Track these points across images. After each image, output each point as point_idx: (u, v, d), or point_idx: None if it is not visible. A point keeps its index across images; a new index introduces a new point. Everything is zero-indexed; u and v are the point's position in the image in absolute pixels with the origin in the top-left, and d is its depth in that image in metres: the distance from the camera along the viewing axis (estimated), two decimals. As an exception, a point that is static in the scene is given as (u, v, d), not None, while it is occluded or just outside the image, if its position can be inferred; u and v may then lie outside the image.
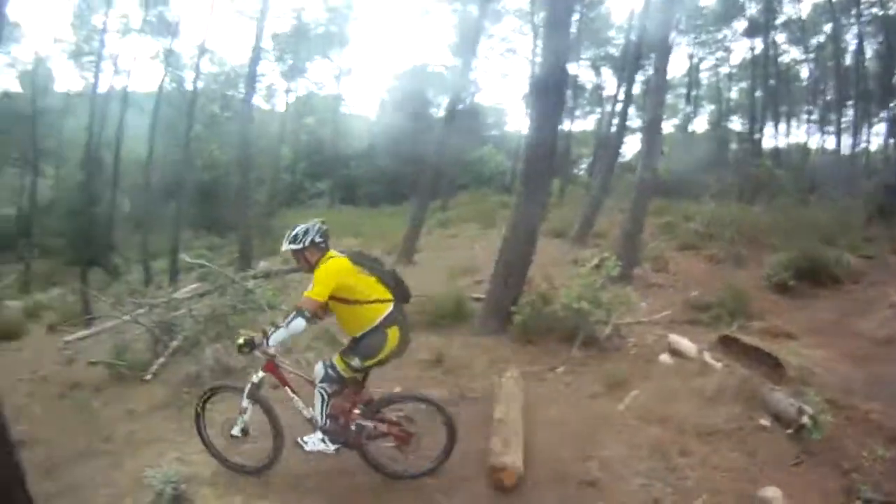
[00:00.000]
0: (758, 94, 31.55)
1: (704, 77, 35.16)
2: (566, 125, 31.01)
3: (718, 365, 7.02)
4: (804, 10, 30.34)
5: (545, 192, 10.46)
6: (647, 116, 14.71)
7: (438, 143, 18.63)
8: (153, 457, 5.86)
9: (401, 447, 5.04)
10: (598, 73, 35.47)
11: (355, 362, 4.82)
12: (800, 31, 30.34)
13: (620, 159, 26.21)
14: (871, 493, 4.83)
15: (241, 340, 4.88)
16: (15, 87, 34.44)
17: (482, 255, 14.60)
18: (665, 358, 7.34)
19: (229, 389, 5.52)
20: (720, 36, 33.03)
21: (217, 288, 10.80)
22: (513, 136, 37.85)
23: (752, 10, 31.05)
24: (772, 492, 4.70)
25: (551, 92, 9.29)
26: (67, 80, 50.00)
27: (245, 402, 5.09)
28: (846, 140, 30.13)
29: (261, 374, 5.06)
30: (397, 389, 6.69)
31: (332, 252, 4.96)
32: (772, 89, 31.33)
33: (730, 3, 31.14)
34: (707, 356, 7.29)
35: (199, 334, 8.90)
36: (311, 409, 5.08)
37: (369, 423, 5.00)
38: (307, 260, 4.96)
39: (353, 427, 5.00)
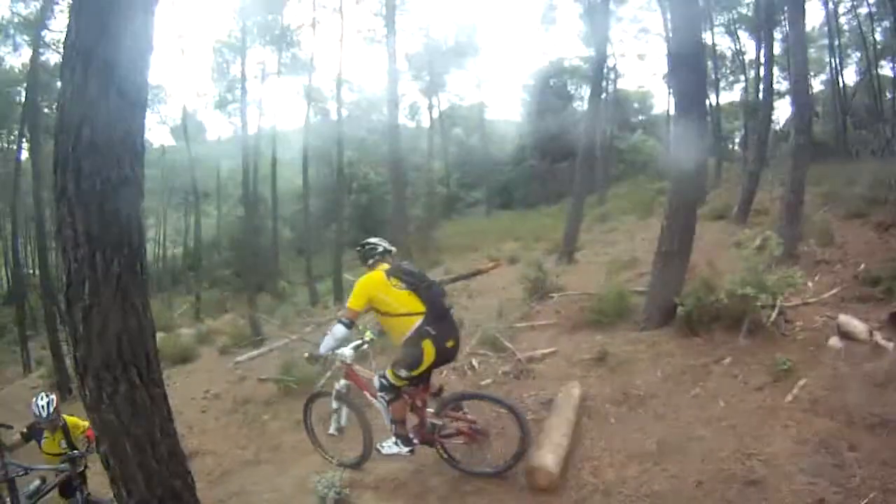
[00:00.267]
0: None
1: (844, 21, 30.40)
2: (711, 99, 29.00)
3: (891, 345, 6.15)
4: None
5: (699, 172, 9.77)
6: (792, 76, 13.48)
7: (586, 137, 18.08)
8: (318, 464, 6.05)
9: (470, 445, 5.33)
10: (735, 39, 32.36)
11: (402, 373, 5.08)
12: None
13: (773, 127, 24.21)
14: None
15: (306, 354, 5.68)
16: (169, 141, 38.05)
17: (643, 247, 13.98)
18: (834, 342, 6.51)
19: (326, 395, 6.05)
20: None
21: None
22: (661, 118, 36.20)
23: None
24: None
25: (689, 65, 8.61)
26: (218, 126, 53.98)
27: (335, 405, 5.78)
28: None
29: (343, 381, 5.75)
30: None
31: (382, 266, 5.36)
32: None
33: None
34: (878, 336, 6.41)
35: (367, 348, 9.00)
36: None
37: (440, 422, 5.34)
38: None
39: (427, 426, 5.35)
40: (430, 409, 5.37)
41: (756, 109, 22.94)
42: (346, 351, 5.58)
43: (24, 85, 21.94)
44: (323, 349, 5.30)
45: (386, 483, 5.52)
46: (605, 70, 26.60)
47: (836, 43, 29.28)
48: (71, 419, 6.23)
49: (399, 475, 5.61)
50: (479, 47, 38.10)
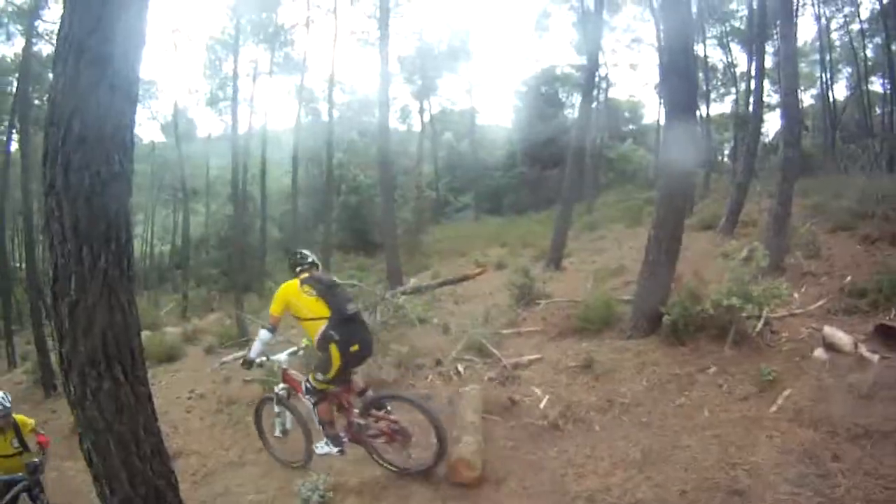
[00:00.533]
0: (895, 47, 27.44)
1: (836, 37, 31.00)
2: (702, 110, 29.19)
3: (875, 357, 6.21)
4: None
5: (687, 183, 9.82)
6: (782, 90, 13.56)
7: (576, 145, 18.14)
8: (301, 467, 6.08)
9: (392, 444, 5.54)
10: (727, 51, 32.72)
11: (319, 377, 5.43)
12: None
13: (762, 139, 24.33)
14: None
15: (241, 360, 6.17)
16: (160, 138, 37.98)
17: (630, 255, 14.06)
18: (820, 353, 6.57)
19: (270, 400, 6.29)
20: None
21: (367, 306, 10.95)
22: (652, 128, 36.38)
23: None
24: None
25: (680, 75, 8.67)
26: (208, 124, 53.80)
27: (276, 409, 6.12)
28: None
29: (281, 384, 6.04)
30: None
31: (304, 275, 5.67)
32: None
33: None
34: (863, 349, 6.47)
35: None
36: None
37: (363, 421, 5.58)
38: None
39: (354, 426, 5.61)
40: (356, 410, 5.66)
41: (746, 122, 23.01)
42: (282, 356, 5.94)
43: (16, 75, 21.61)
44: (253, 354, 5.65)
45: (369, 486, 5.50)
46: (596, 79, 26.82)
47: (828, 58, 29.70)
48: (19, 417, 6.13)
49: (382, 479, 5.59)
50: (471, 52, 38.31)
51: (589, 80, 19.31)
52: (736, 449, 5.00)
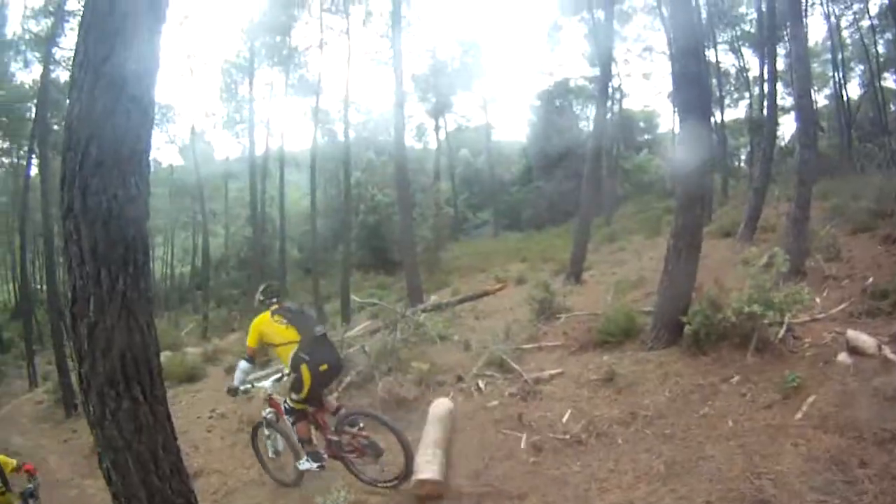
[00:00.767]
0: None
1: (846, 35, 30.56)
2: (717, 116, 29.00)
3: None
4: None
5: (704, 191, 9.76)
6: (796, 91, 13.46)
7: (592, 157, 18.11)
8: (322, 485, 6.03)
9: (363, 458, 5.92)
10: (738, 55, 32.62)
11: (294, 397, 5.88)
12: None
13: (778, 142, 24.11)
14: None
15: (226, 388, 6.42)
16: (178, 161, 38.42)
17: (650, 266, 13.97)
18: (843, 357, 6.46)
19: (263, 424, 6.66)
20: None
21: (388, 324, 10.97)
22: (667, 137, 36.22)
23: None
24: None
25: (692, 82, 8.63)
26: (226, 147, 54.39)
27: (267, 432, 6.60)
28: None
29: (268, 409, 6.48)
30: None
31: (273, 307, 6.17)
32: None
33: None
34: (887, 351, 6.35)
35: (372, 369, 9.07)
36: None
37: (337, 438, 5.96)
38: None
39: (332, 443, 5.98)
40: (332, 428, 6.06)
41: (761, 126, 22.85)
42: (267, 383, 6.35)
43: (35, 101, 22.16)
44: (236, 382, 6.12)
45: (388, 502, 5.54)
46: (610, 89, 26.72)
47: (839, 57, 29.29)
48: (1, 457, 6.18)
49: (404, 497, 5.57)
50: (484, 68, 38.35)
51: (602, 91, 19.37)
52: (761, 458, 4.92)
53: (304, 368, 5.66)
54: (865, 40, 28.66)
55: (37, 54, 24.07)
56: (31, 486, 6.04)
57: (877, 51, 28.74)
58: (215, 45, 50.69)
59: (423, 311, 12.94)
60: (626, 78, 36.40)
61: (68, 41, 19.50)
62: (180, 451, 3.66)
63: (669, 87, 31.05)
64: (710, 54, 28.21)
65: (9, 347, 28.06)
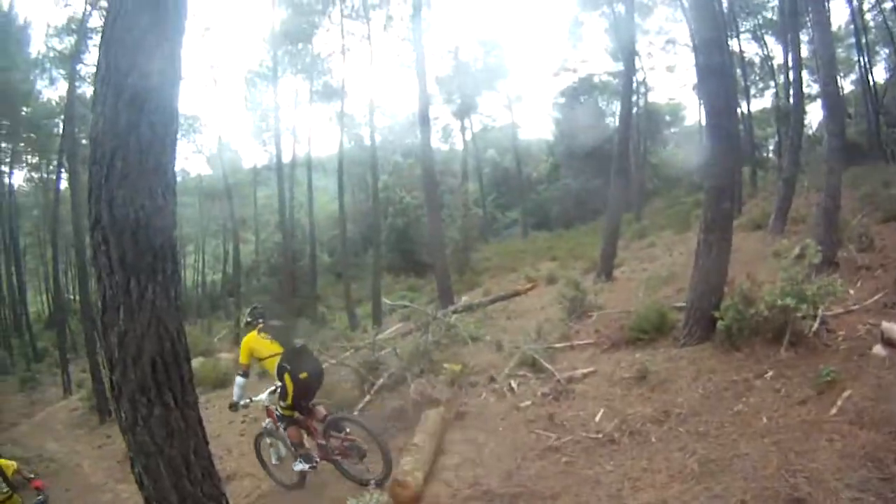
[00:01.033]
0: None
1: (870, 18, 28.98)
2: (743, 106, 28.40)
3: None
4: None
5: (732, 183, 9.62)
6: (821, 78, 13.22)
7: (618, 153, 17.98)
8: (355, 486, 6.18)
9: (348, 460, 6.47)
10: (762, 44, 31.63)
11: (282, 404, 6.52)
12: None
13: (806, 131, 23.63)
14: None
15: (228, 404, 6.99)
16: (206, 170, 38.96)
17: (681, 261, 13.87)
18: (878, 350, 6.30)
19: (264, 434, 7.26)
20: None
21: (419, 326, 10.99)
22: (694, 129, 35.72)
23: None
24: None
25: (716, 73, 8.52)
26: (253, 155, 54.85)
27: (268, 440, 7.23)
28: None
29: (267, 419, 7.05)
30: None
31: (260, 325, 6.93)
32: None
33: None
34: None
35: (404, 371, 9.08)
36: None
37: (324, 442, 6.53)
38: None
39: (321, 447, 6.58)
40: (320, 432, 6.60)
41: (788, 115, 22.36)
42: (263, 396, 6.75)
43: (62, 117, 22.79)
44: (235, 398, 6.68)
45: (421, 505, 5.50)
46: (634, 84, 26.47)
47: (864, 40, 28.45)
48: (1, 461, 6.31)
49: (438, 497, 5.60)
50: (507, 68, 38.13)
51: (627, 85, 19.21)
52: (795, 455, 4.82)
53: (286, 377, 6.32)
54: (889, 22, 27.68)
55: (62, 71, 24.80)
56: (40, 497, 6.30)
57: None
58: (238, 55, 51.25)
59: (455, 312, 12.94)
60: (650, 71, 35.75)
61: (92, 57, 19.92)
62: (212, 455, 3.73)
63: (694, 79, 30.76)
64: (734, 44, 27.70)
65: (43, 356, 28.89)
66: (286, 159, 27.79)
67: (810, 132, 25.89)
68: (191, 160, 39.85)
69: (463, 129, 40.36)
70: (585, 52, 50.36)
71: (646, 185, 33.30)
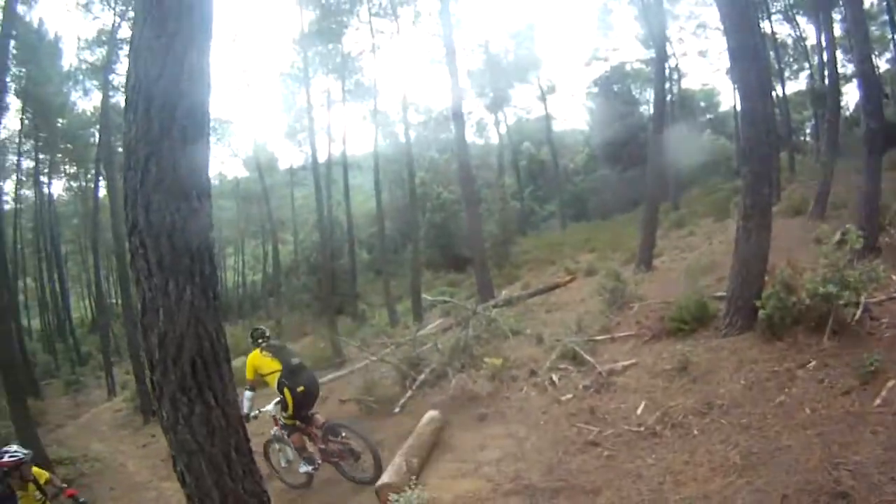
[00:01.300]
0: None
1: None
2: (778, 90, 27.83)
3: None
4: None
5: (770, 168, 9.42)
6: (856, 58, 12.85)
7: (654, 141, 17.74)
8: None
9: (346, 461, 7.13)
10: (794, 25, 30.78)
11: (285, 414, 7.21)
12: None
13: (843, 113, 22.94)
14: None
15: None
16: (243, 173, 39.48)
17: (721, 250, 13.62)
18: (924, 337, 6.13)
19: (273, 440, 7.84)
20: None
21: (460, 321, 11.01)
22: (729, 115, 34.97)
23: None
24: None
25: (748, 57, 8.32)
26: (289, 155, 55.46)
27: (276, 446, 7.80)
28: None
29: (274, 428, 7.63)
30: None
31: (262, 344, 7.45)
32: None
33: None
34: None
35: (445, 366, 9.13)
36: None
37: (324, 446, 7.19)
38: None
39: (322, 451, 7.23)
40: (320, 438, 7.22)
41: (823, 97, 21.87)
42: (270, 407, 7.27)
43: (97, 126, 23.44)
44: (245, 410, 6.88)
45: (463, 500, 5.56)
46: (667, 70, 26.08)
47: (897, 16, 27.63)
48: (35, 469, 6.31)
49: (479, 492, 5.61)
50: (538, 59, 37.81)
51: (659, 72, 18.87)
52: (839, 447, 4.70)
53: (286, 391, 6.99)
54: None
55: (95, 82, 25.38)
56: (83, 500, 6.54)
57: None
58: (269, 58, 51.66)
59: (495, 306, 12.96)
60: (683, 57, 34.84)
61: (123, 67, 20.34)
62: (253, 452, 3.78)
63: (727, 63, 30.12)
64: (765, 26, 27.15)
65: (87, 360, 30.04)
66: (322, 159, 27.89)
67: (847, 114, 25.17)
68: (227, 163, 40.47)
69: (497, 123, 40.25)
70: (616, 41, 49.67)
71: (683, 173, 32.81)
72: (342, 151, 31.42)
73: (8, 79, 20.48)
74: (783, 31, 31.10)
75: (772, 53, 26.99)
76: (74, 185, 33.26)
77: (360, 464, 7.06)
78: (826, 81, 21.04)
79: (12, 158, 28.31)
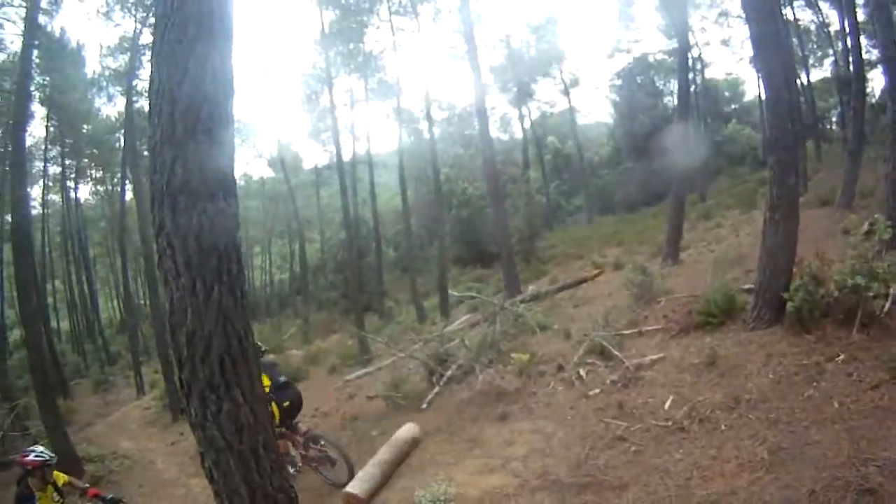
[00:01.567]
0: None
1: None
2: (802, 77, 27.45)
3: None
4: None
5: (797, 157, 9.26)
6: (880, 43, 12.57)
7: (679, 133, 17.56)
8: (424, 478, 6.21)
9: (323, 466, 7.72)
10: (816, 10, 30.00)
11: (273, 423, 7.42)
12: None
13: (869, 100, 22.47)
14: None
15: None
16: (269, 173, 39.91)
17: (748, 242, 13.51)
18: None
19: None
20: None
21: (487, 317, 11.01)
22: (755, 104, 34.38)
23: None
24: None
25: (771, 44, 8.20)
26: (314, 155, 55.78)
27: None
28: None
29: None
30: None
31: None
32: None
33: None
34: None
35: (472, 362, 9.13)
36: None
37: (304, 452, 7.74)
38: None
39: (303, 456, 7.76)
40: (302, 445, 7.73)
41: (849, 83, 21.44)
42: None
43: (122, 131, 24.02)
44: None
45: (489, 496, 5.55)
46: (690, 61, 25.79)
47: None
48: (55, 473, 6.27)
49: (506, 488, 5.62)
50: (560, 53, 37.62)
51: (682, 63, 18.63)
52: (868, 443, 4.61)
53: (273, 405, 7.20)
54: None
55: (118, 88, 26.11)
56: (113, 497, 6.35)
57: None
58: (292, 59, 52.12)
59: (522, 301, 12.92)
60: (706, 47, 34.42)
61: (147, 72, 20.63)
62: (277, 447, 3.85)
63: (750, 51, 29.72)
64: (787, 12, 26.67)
65: (116, 360, 30.77)
66: (346, 158, 28.14)
67: (874, 101, 24.65)
68: (252, 164, 40.81)
69: (521, 118, 40.18)
70: (638, 32, 49.16)
71: (709, 164, 32.47)
72: (367, 150, 31.71)
73: (32, 87, 20.86)
74: (806, 17, 30.54)
75: (795, 40, 26.54)
76: (101, 189, 34.29)
77: (336, 469, 7.60)
78: (851, 68, 20.66)
79: (39, 165, 28.94)
